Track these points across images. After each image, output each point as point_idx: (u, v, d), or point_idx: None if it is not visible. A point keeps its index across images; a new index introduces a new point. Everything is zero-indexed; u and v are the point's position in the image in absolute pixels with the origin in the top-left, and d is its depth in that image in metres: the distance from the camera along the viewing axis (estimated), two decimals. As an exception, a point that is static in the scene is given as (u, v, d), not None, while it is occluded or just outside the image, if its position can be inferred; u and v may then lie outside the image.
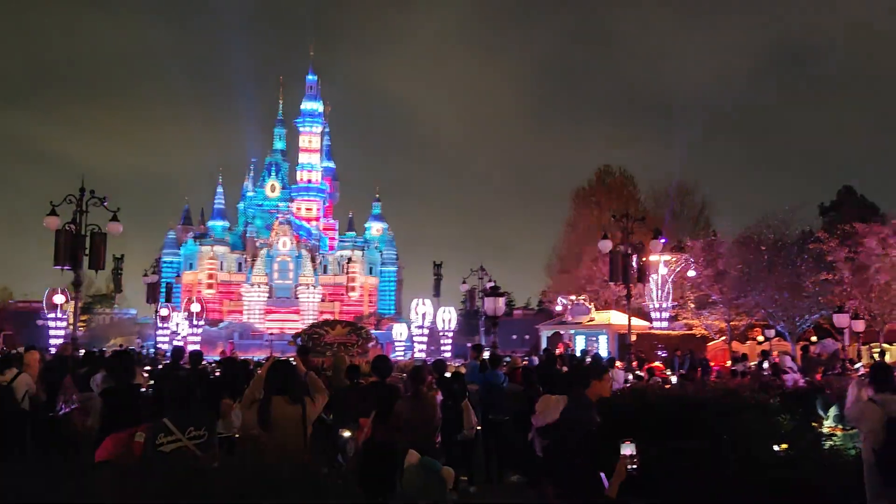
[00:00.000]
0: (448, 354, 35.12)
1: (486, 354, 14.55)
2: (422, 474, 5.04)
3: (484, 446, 11.26)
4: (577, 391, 6.06)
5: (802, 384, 13.52)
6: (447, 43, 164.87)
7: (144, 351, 39.84)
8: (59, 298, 30.10)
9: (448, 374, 10.90)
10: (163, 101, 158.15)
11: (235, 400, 7.89)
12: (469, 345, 20.20)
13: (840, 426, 9.20)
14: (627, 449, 5.00)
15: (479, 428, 10.71)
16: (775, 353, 24.28)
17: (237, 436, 7.28)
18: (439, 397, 9.24)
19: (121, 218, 18.37)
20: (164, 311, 36.34)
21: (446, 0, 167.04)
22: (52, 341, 29.09)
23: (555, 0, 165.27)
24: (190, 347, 34.23)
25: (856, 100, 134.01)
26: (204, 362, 13.67)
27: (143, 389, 10.00)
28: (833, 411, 9.67)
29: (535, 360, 17.43)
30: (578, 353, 23.98)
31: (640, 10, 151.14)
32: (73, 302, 20.05)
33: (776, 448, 7.93)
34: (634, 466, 4.91)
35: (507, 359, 16.63)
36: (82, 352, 16.53)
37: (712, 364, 24.43)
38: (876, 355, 23.08)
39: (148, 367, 19.69)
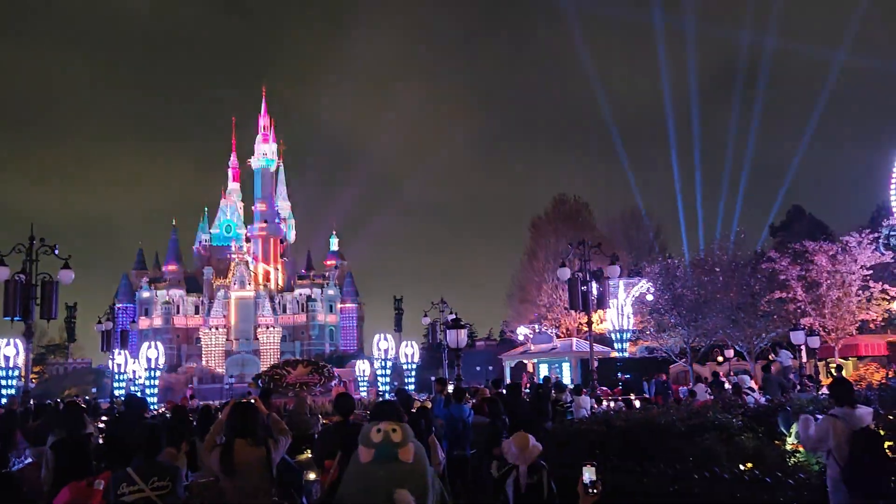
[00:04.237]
0: (412, 389, 34.84)
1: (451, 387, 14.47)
2: None
3: (451, 482, 11.12)
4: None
5: (764, 403, 13.68)
6: (390, 73, 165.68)
7: (100, 400, 38.88)
8: (9, 350, 29.20)
9: (414, 410, 10.79)
10: (111, 143, 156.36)
11: (179, 448, 7.69)
12: (433, 378, 20.10)
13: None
14: (587, 474, 4.93)
15: (444, 463, 10.60)
16: (721, 373, 24.68)
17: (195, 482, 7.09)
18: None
19: (72, 265, 18.06)
20: (119, 359, 35.52)
21: (383, 30, 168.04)
22: (4, 394, 28.17)
23: (495, 25, 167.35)
24: (148, 394, 33.51)
25: (800, 119, 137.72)
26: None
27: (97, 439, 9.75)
28: (795, 428, 9.76)
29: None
30: (541, 381, 23.99)
31: (583, 32, 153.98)
32: (24, 353, 19.48)
33: (741, 467, 7.98)
34: (595, 491, 4.84)
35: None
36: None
37: (674, 386, 24.68)
38: (833, 370, 23.46)
39: (104, 417, 19.21)
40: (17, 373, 29.15)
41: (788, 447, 9.13)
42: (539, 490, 6.26)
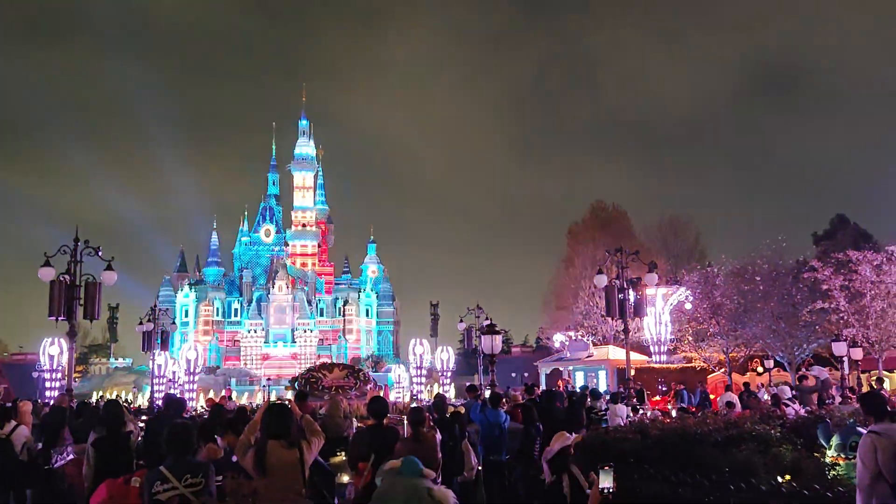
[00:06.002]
0: (448, 394, 34.88)
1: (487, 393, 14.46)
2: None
3: (486, 487, 11.11)
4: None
5: (804, 414, 13.45)
6: (425, 75, 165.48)
7: (139, 399, 39.52)
8: (54, 350, 29.82)
9: (448, 415, 10.80)
10: (152, 147, 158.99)
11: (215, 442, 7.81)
12: (468, 384, 20.07)
13: (843, 455, 9.11)
14: (605, 478, 4.94)
15: (479, 468, 10.59)
16: (758, 384, 24.25)
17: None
18: (438, 437, 9.15)
19: (115, 266, 18.37)
20: (159, 360, 36.06)
21: (419, 29, 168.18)
22: (48, 393, 28.79)
23: (528, 24, 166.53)
24: (187, 395, 33.97)
25: (845, 123, 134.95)
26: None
27: (137, 438, 9.92)
28: (835, 440, 9.58)
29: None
30: (578, 389, 23.84)
31: (617, 31, 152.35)
32: (68, 353, 19.89)
33: (779, 479, 7.86)
34: (611, 490, 4.86)
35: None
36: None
37: (712, 396, 24.37)
38: (874, 383, 22.99)
39: (144, 416, 19.52)
40: (61, 371, 29.83)
41: (828, 460, 8.96)
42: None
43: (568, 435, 6.98)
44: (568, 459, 6.96)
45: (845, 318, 27.55)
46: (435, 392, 30.85)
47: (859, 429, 7.86)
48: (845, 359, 23.09)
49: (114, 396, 40.88)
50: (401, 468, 4.75)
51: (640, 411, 16.77)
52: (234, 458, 6.57)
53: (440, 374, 36.97)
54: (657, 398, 25.45)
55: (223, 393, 37.34)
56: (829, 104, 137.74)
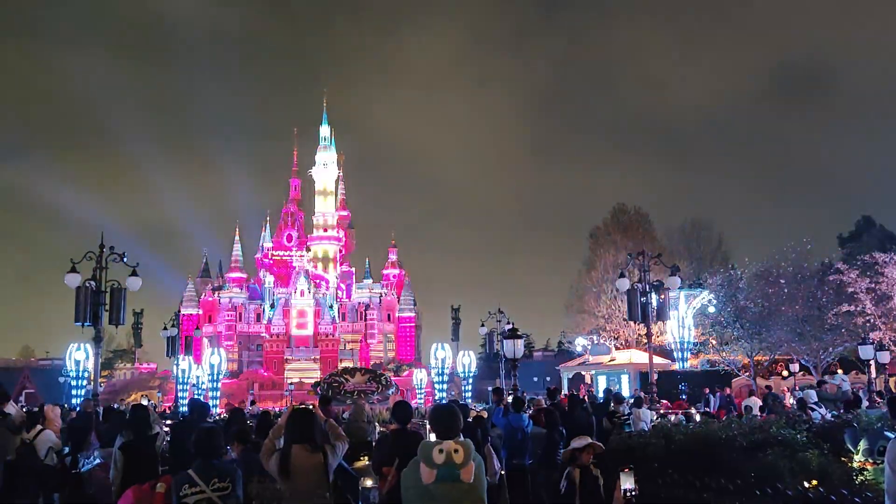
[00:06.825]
0: (469, 398, 34.86)
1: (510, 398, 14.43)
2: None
3: (509, 492, 11.09)
4: None
5: (830, 418, 13.31)
6: (444, 78, 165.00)
7: (162, 404, 39.89)
8: (79, 355, 30.18)
9: (470, 419, 10.80)
10: (174, 152, 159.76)
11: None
12: (490, 388, 20.06)
13: (871, 460, 9.01)
14: (627, 481, 4.93)
15: (502, 473, 10.58)
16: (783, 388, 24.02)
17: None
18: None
19: (139, 272, 18.55)
20: (184, 365, 36.35)
21: (437, 34, 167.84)
22: (74, 398, 29.13)
23: (547, 25, 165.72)
24: (210, 400, 34.21)
25: (871, 123, 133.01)
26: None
27: (162, 442, 10.02)
28: (863, 445, 9.48)
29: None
30: (601, 394, 23.74)
31: (637, 31, 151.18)
32: (94, 358, 20.11)
33: (805, 484, 7.79)
34: (634, 493, 4.84)
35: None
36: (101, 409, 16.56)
37: (737, 400, 24.18)
38: (893, 387, 22.75)
39: (168, 421, 19.69)
40: (86, 376, 30.18)
41: (855, 465, 8.87)
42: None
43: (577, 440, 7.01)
44: (570, 462, 6.99)
45: (872, 320, 27.23)
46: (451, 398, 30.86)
47: (887, 433, 7.77)
48: (872, 362, 22.84)
49: (140, 401, 41.23)
50: (437, 478, 4.62)
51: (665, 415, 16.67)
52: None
53: (462, 378, 36.97)
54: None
55: (248, 399, 37.53)
56: (854, 105, 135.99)
